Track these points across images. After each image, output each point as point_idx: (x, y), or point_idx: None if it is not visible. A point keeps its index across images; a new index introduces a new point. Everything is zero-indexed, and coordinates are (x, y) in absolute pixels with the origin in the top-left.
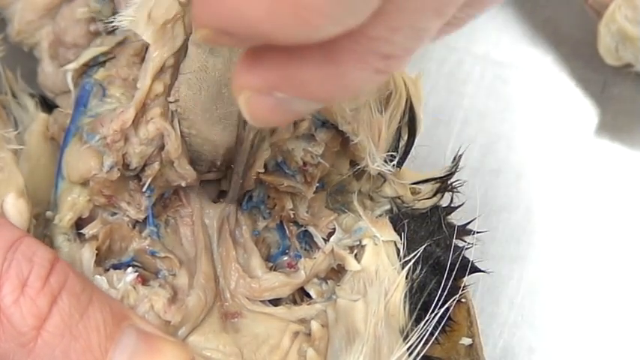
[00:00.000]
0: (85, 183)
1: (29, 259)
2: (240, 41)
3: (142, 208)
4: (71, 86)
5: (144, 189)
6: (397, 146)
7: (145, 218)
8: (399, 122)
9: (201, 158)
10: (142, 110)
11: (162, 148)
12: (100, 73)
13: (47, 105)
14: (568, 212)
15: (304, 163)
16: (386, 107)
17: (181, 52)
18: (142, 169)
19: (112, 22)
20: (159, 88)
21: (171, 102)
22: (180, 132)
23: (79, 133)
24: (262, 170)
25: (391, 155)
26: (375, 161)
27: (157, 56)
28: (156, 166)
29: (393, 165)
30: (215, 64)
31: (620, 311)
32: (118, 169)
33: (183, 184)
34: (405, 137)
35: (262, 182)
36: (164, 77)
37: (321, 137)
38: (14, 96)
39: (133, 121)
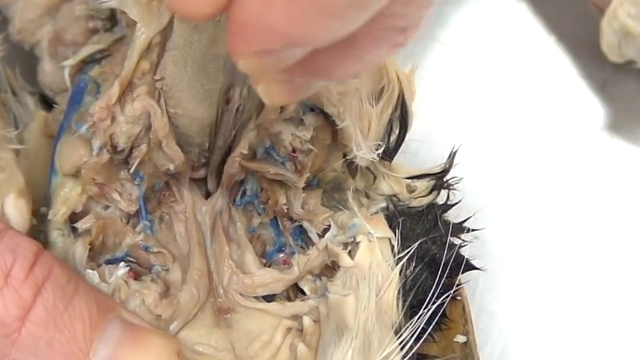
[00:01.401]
0: (76, 174)
1: (12, 251)
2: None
3: (132, 198)
4: (68, 83)
5: (131, 170)
6: (388, 140)
7: (138, 212)
8: (390, 115)
9: (189, 142)
10: (129, 89)
11: (149, 128)
12: (95, 70)
13: (47, 103)
14: (569, 210)
15: (293, 150)
16: (378, 100)
17: (168, 31)
18: (130, 153)
19: (101, 2)
20: (145, 66)
21: (157, 80)
22: (167, 113)
23: (70, 127)
24: (246, 151)
25: (382, 149)
26: (361, 148)
27: (142, 34)
28: (143, 147)
29: (379, 154)
30: (200, 39)
31: (621, 309)
32: (107, 151)
33: (171, 167)
34: (397, 131)
35: (253, 173)
36: (151, 56)
37: (309, 121)
38: (14, 94)
39: (120, 100)
